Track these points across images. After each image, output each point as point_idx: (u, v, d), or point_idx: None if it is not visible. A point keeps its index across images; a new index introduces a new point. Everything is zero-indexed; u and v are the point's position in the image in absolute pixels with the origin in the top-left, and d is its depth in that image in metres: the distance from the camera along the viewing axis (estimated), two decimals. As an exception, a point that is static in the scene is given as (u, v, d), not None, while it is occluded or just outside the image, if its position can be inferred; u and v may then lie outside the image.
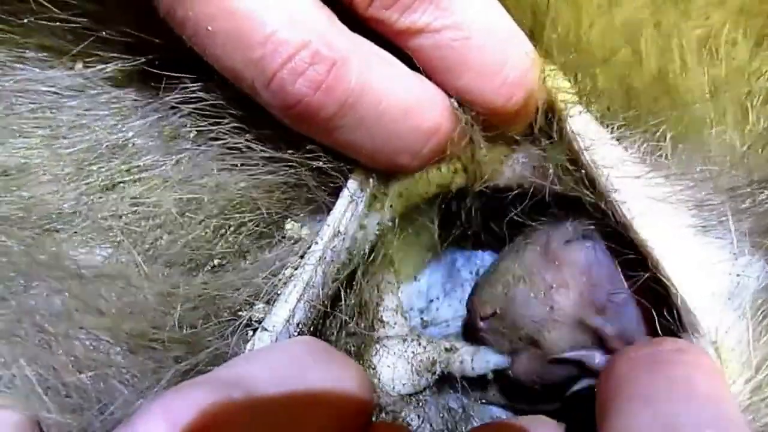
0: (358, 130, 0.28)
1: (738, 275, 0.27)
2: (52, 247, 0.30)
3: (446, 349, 0.35)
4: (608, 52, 0.31)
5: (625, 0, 0.33)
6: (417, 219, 0.35)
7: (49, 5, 0.31)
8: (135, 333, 0.27)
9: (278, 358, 0.26)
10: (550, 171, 0.33)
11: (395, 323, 0.34)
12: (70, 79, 0.33)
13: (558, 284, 0.34)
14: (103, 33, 0.32)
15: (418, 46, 0.28)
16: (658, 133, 0.30)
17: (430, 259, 0.37)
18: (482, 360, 0.37)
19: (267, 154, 0.29)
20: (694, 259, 0.28)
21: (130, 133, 0.33)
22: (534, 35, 0.31)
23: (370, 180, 0.31)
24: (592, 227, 0.34)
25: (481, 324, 0.37)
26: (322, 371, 0.25)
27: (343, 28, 0.28)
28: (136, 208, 0.30)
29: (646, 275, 0.30)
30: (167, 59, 0.32)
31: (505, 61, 0.28)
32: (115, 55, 0.32)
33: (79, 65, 0.34)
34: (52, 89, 0.33)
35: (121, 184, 0.31)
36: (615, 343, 0.34)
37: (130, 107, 0.33)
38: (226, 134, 0.30)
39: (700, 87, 0.30)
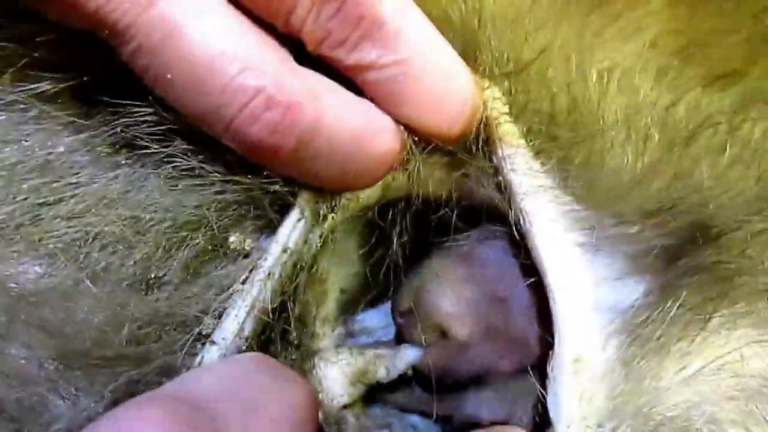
0: (316, 162, 0.30)
1: (616, 295, 0.30)
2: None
3: (376, 356, 0.37)
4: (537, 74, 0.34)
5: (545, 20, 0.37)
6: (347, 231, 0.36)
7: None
8: (78, 351, 0.26)
9: (228, 373, 0.26)
10: (470, 179, 0.35)
11: (324, 334, 0.35)
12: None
13: (467, 277, 0.37)
14: (35, 53, 0.32)
15: (366, 80, 0.31)
16: (567, 154, 0.33)
17: (357, 271, 0.39)
18: (402, 357, 0.39)
19: (219, 177, 0.30)
20: (577, 275, 0.31)
21: (61, 149, 0.32)
22: (467, 51, 0.34)
23: (319, 197, 0.33)
24: (502, 230, 0.37)
25: (400, 320, 0.40)
26: (270, 386, 0.26)
27: (296, 68, 0.30)
28: (73, 225, 0.30)
29: (533, 279, 0.33)
30: (105, 80, 0.32)
31: (447, 93, 0.31)
32: (46, 75, 0.32)
33: (6, 79, 0.33)
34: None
35: (57, 201, 0.31)
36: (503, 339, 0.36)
37: (63, 123, 0.32)
38: (174, 156, 0.30)
39: (605, 116, 0.34)
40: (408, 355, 0.39)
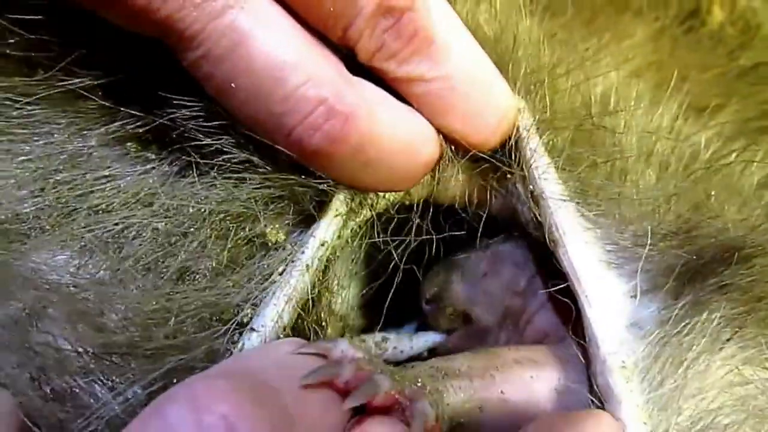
0: (365, 168, 0.32)
1: (639, 308, 0.33)
2: (24, 255, 0.29)
3: (382, 340, 0.38)
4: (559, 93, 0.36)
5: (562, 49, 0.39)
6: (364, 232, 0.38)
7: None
8: (121, 343, 0.27)
9: (279, 353, 0.28)
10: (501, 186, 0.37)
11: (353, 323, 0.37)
12: (30, 88, 0.32)
13: (490, 271, 0.41)
14: (71, 50, 0.32)
15: (412, 91, 0.32)
16: (590, 173, 0.35)
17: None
18: (421, 340, 0.41)
19: (265, 172, 0.31)
20: (605, 286, 0.34)
21: (93, 142, 0.32)
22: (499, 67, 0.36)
23: (354, 196, 0.34)
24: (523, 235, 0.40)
25: (426, 307, 0.43)
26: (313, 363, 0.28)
27: (351, 80, 0.31)
28: (110, 218, 0.30)
29: (564, 284, 0.35)
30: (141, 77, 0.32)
31: (485, 108, 0.33)
32: (81, 71, 0.32)
33: (40, 75, 0.32)
34: (11, 98, 0.32)
35: (90, 193, 0.31)
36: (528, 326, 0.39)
37: (96, 118, 0.32)
38: (224, 150, 0.31)
39: (628, 142, 0.36)
40: (429, 338, 0.42)
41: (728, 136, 0.42)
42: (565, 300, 0.35)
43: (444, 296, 0.41)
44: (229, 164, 0.31)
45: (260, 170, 0.32)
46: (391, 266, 0.37)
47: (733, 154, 0.39)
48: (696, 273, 0.33)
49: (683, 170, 0.36)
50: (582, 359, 0.34)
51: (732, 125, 0.44)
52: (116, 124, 0.32)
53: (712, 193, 0.35)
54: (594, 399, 0.33)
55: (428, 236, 0.37)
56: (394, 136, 0.31)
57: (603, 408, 0.32)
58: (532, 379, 0.34)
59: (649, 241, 0.34)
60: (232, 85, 0.29)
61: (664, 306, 0.33)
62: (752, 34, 0.48)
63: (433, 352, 0.41)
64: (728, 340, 0.33)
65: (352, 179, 0.32)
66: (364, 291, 0.40)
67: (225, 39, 0.28)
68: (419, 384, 0.30)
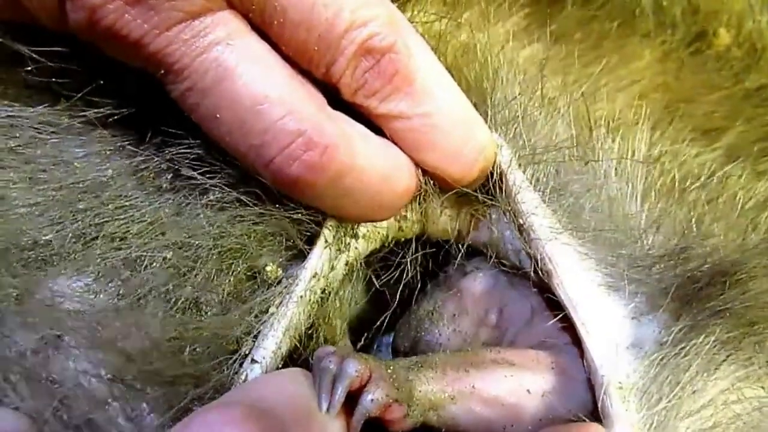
0: (345, 197, 0.34)
1: (638, 329, 0.34)
2: (43, 282, 0.31)
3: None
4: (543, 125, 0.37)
5: (549, 77, 0.40)
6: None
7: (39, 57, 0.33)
8: (143, 370, 0.28)
9: (283, 384, 0.29)
10: (484, 222, 0.38)
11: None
12: (51, 117, 0.34)
13: (459, 311, 0.41)
14: (91, 82, 0.34)
15: (393, 127, 0.34)
16: (577, 202, 0.36)
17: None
18: None
19: (256, 209, 0.33)
20: (602, 311, 0.34)
21: (109, 173, 0.34)
22: (478, 105, 0.37)
23: (342, 228, 0.37)
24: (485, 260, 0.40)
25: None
26: (313, 391, 0.29)
27: (332, 114, 0.33)
28: (125, 247, 0.32)
29: (561, 314, 0.36)
30: (155, 112, 0.34)
31: (464, 144, 0.35)
32: (101, 102, 0.34)
33: (61, 105, 0.34)
34: (33, 126, 0.34)
35: (107, 223, 0.32)
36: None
37: (113, 149, 0.34)
38: (216, 187, 0.33)
39: (604, 168, 0.37)
40: None
41: (730, 157, 0.42)
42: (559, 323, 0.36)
43: (417, 348, 0.42)
44: (221, 204, 0.33)
45: (251, 208, 0.33)
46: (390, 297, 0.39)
47: (732, 176, 0.39)
48: (693, 296, 0.34)
49: (671, 194, 0.36)
50: (567, 368, 0.35)
51: (735, 147, 0.44)
52: (132, 154, 0.35)
53: (701, 214, 0.35)
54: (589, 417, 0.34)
55: (423, 270, 0.38)
56: (372, 167, 0.33)
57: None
58: (506, 378, 0.35)
59: (642, 264, 0.34)
60: (217, 116, 0.31)
61: (664, 327, 0.34)
62: (758, 56, 0.48)
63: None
64: (723, 361, 0.34)
65: (332, 208, 0.35)
66: (359, 317, 0.41)
67: (210, 73, 0.31)
68: (389, 370, 0.31)
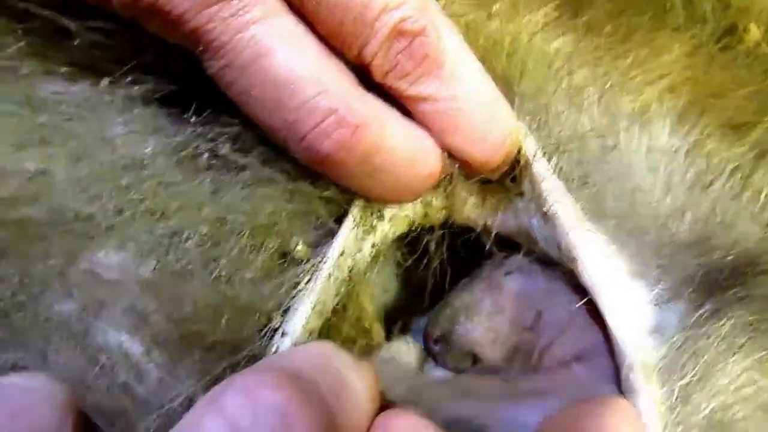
0: (372, 176, 0.35)
1: (661, 314, 0.34)
2: (83, 254, 0.32)
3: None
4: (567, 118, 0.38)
5: (577, 68, 0.41)
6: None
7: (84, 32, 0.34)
8: (182, 338, 0.29)
9: (315, 354, 0.31)
10: (509, 208, 0.39)
11: (378, 334, 0.39)
12: (94, 94, 0.35)
13: (496, 310, 0.41)
14: (131, 60, 0.35)
15: (421, 109, 0.35)
16: (600, 191, 0.37)
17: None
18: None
19: (289, 185, 0.34)
20: (626, 297, 0.35)
21: (149, 150, 0.35)
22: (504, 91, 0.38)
23: (369, 208, 0.38)
24: (529, 261, 0.41)
25: (434, 347, 0.44)
26: (351, 367, 0.30)
27: (364, 94, 0.34)
28: (165, 223, 0.33)
29: (585, 299, 0.37)
30: (195, 89, 0.35)
31: (490, 127, 0.36)
32: (142, 77, 0.35)
33: (104, 82, 0.35)
34: (77, 103, 0.35)
35: (147, 199, 0.34)
36: (544, 358, 0.40)
37: (154, 127, 0.35)
38: (250, 165, 0.34)
39: (630, 160, 0.37)
40: (438, 373, 0.44)
41: (757, 153, 0.42)
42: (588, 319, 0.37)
43: (450, 338, 0.43)
44: (255, 181, 0.34)
45: (283, 186, 0.34)
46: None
47: (758, 171, 0.39)
48: (716, 284, 0.35)
49: (695, 186, 0.37)
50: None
51: (763, 143, 0.44)
52: (172, 133, 0.36)
53: (725, 206, 0.36)
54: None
55: (450, 255, 0.39)
56: (399, 148, 0.34)
57: None
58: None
59: (665, 252, 0.35)
60: (252, 92, 0.32)
61: (686, 313, 0.35)
62: (788, 52, 0.48)
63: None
64: (743, 345, 0.35)
65: (360, 186, 0.36)
66: (392, 304, 0.42)
67: (247, 51, 0.32)
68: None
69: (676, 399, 0.33)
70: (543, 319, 0.41)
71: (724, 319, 0.33)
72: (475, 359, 0.43)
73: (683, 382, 0.33)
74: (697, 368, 0.33)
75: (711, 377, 0.33)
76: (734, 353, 0.34)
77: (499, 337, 0.41)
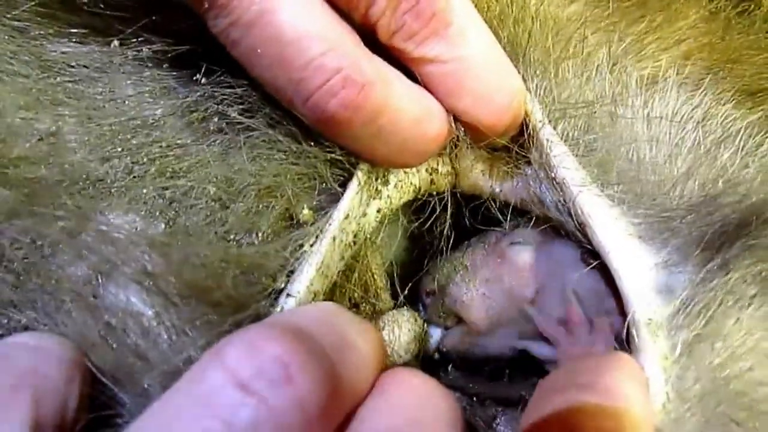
0: (378, 137, 0.35)
1: (670, 276, 0.34)
2: (94, 215, 0.33)
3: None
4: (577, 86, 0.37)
5: (590, 37, 0.40)
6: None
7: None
8: (190, 293, 0.30)
9: (321, 313, 0.31)
10: (517, 175, 0.39)
11: (384, 300, 0.39)
12: (104, 56, 0.35)
13: (493, 278, 0.41)
14: (142, 20, 0.35)
15: (427, 72, 0.35)
16: (606, 157, 0.36)
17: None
18: (432, 336, 0.44)
19: (294, 148, 0.34)
20: (635, 259, 0.35)
21: (159, 111, 0.35)
22: (511, 55, 0.38)
23: (374, 173, 0.38)
24: (537, 233, 0.41)
25: (426, 299, 0.45)
26: (356, 327, 0.30)
27: (369, 54, 0.34)
28: (174, 182, 0.33)
29: (596, 263, 0.37)
30: (202, 50, 0.35)
31: (497, 90, 0.36)
32: (151, 37, 0.35)
33: (115, 43, 0.36)
34: (87, 64, 0.35)
35: (157, 160, 0.34)
36: (546, 329, 0.40)
37: (163, 88, 0.35)
38: (256, 127, 0.34)
39: (639, 127, 0.37)
40: (434, 334, 0.44)
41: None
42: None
43: (441, 293, 0.42)
44: (261, 143, 0.34)
45: (289, 147, 0.35)
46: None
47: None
48: (724, 241, 0.34)
49: (706, 151, 0.37)
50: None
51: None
52: (182, 95, 0.36)
53: (734, 169, 0.36)
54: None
55: (456, 222, 0.39)
56: (406, 108, 0.34)
57: None
58: None
59: (674, 214, 0.35)
60: (258, 51, 0.32)
61: (694, 272, 0.35)
62: (808, 17, 0.47)
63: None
64: (754, 296, 0.34)
65: (365, 149, 0.35)
66: (397, 267, 0.42)
67: (254, 8, 0.31)
68: None
69: (681, 351, 0.33)
70: (541, 295, 0.40)
71: (732, 271, 0.33)
72: (458, 319, 0.43)
73: (690, 335, 0.33)
74: (706, 322, 0.33)
75: (721, 330, 0.33)
76: (748, 305, 0.33)
77: (492, 305, 0.41)
